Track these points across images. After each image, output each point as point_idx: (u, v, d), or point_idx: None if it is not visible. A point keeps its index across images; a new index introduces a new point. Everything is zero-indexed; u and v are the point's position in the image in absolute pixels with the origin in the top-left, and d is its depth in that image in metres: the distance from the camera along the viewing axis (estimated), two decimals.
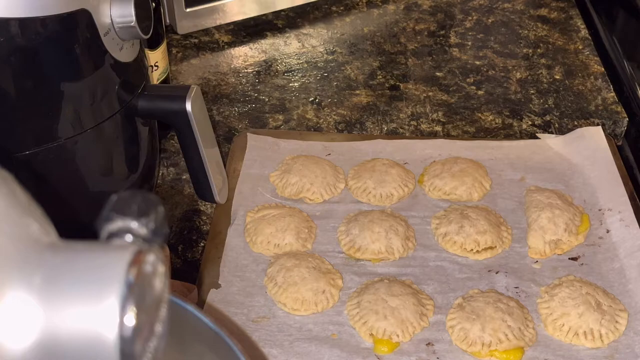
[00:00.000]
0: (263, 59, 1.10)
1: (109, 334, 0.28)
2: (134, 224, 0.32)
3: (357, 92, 1.04)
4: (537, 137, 0.95)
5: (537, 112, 1.00)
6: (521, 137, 0.97)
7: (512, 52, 1.12)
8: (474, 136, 0.97)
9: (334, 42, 1.14)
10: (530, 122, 0.99)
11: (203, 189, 0.78)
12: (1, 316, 0.28)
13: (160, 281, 0.31)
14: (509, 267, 0.79)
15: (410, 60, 1.11)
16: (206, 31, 1.15)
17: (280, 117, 0.99)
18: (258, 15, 1.15)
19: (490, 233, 0.80)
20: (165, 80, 0.94)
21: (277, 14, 1.18)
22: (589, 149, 0.91)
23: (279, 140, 0.94)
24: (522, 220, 0.84)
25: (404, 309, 0.72)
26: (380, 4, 1.23)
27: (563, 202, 0.83)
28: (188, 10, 1.08)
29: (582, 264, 0.79)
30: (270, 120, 0.99)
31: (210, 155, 0.75)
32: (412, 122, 0.99)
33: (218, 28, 1.15)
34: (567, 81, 1.06)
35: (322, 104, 1.01)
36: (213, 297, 0.74)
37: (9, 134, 0.62)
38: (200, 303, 0.73)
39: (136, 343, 0.29)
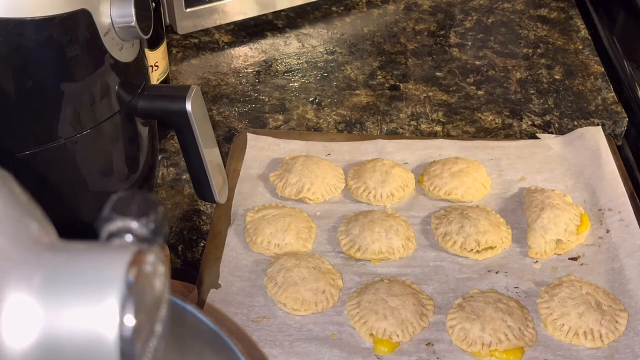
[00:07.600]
0: (263, 59, 1.10)
1: (109, 334, 0.28)
2: (134, 224, 0.32)
3: (357, 92, 1.04)
4: (537, 137, 0.95)
5: (537, 112, 1.00)
6: (521, 137, 0.96)
7: (512, 52, 1.12)
8: (474, 136, 0.97)
9: (334, 42, 1.14)
10: (530, 122, 0.99)
11: (203, 189, 0.78)
12: (1, 316, 0.28)
13: (160, 281, 0.31)
14: (509, 267, 0.79)
15: (410, 60, 1.11)
16: (206, 31, 1.15)
17: (280, 117, 0.99)
18: (258, 15, 1.15)
19: (490, 233, 0.80)
20: (165, 80, 0.94)
21: (277, 14, 1.18)
22: (589, 149, 0.91)
23: (279, 140, 0.94)
24: (522, 220, 0.84)
25: (404, 309, 0.72)
26: (380, 4, 1.23)
27: (563, 202, 0.83)
28: (188, 10, 1.08)
29: (582, 264, 0.79)
30: (270, 120, 0.99)
31: (210, 155, 0.75)
32: (412, 122, 0.99)
33: (218, 28, 1.15)
34: (567, 81, 1.06)
35: (322, 104, 1.01)
36: (213, 297, 0.74)
37: (9, 134, 0.62)
38: (200, 303, 0.73)
39: (136, 343, 0.29)
